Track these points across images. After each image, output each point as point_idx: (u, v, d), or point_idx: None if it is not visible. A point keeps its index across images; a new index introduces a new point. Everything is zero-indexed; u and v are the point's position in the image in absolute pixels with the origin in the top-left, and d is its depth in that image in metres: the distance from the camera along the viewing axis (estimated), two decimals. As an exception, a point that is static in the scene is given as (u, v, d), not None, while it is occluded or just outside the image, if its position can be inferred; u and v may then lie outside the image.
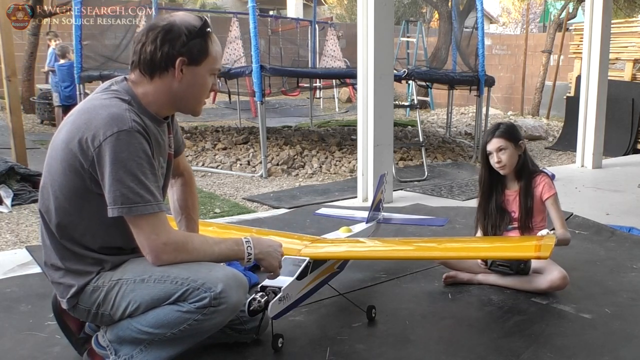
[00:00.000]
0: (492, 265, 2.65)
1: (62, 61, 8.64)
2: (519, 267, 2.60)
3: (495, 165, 2.70)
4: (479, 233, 2.83)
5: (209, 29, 1.80)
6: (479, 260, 2.68)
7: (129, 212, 1.68)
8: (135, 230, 1.72)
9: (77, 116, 1.75)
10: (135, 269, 1.80)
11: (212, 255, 1.83)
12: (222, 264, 1.90)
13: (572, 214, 3.93)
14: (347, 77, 8.19)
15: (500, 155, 2.67)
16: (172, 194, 2.18)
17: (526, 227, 2.70)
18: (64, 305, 1.85)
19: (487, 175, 2.77)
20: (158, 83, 1.79)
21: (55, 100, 9.19)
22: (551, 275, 2.57)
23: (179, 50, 1.76)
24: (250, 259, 1.88)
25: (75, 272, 1.80)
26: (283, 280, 2.07)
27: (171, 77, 1.79)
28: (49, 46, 9.43)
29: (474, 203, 2.93)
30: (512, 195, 2.75)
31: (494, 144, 2.68)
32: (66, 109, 8.35)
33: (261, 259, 1.92)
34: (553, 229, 2.66)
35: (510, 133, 2.69)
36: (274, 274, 2.00)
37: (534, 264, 2.62)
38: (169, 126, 1.95)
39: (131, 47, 1.85)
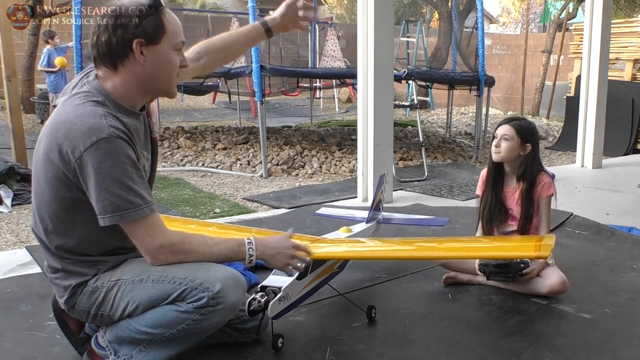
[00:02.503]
0: (491, 275, 2.60)
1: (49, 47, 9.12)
2: (518, 272, 2.53)
3: (493, 149, 2.71)
4: (479, 228, 2.83)
5: (161, 4, 1.74)
6: (477, 269, 2.64)
7: (121, 219, 1.67)
8: (130, 235, 1.72)
9: (53, 127, 1.71)
10: (134, 269, 1.80)
11: (212, 256, 1.82)
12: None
13: (572, 214, 3.93)
14: (347, 77, 8.19)
15: (501, 141, 2.68)
16: (217, 55, 2.17)
17: (525, 230, 2.70)
18: (63, 306, 1.86)
19: (492, 165, 2.77)
20: (123, 72, 1.75)
21: (52, 100, 9.22)
22: (551, 279, 2.56)
23: (133, 32, 1.70)
24: (252, 260, 1.86)
25: (73, 273, 1.80)
26: (283, 280, 2.07)
27: (133, 62, 1.73)
28: (47, 44, 9.42)
29: (474, 203, 2.94)
30: (510, 192, 2.75)
31: (501, 130, 2.70)
32: None
33: (266, 260, 1.90)
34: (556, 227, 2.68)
35: (522, 129, 2.69)
36: (287, 273, 1.99)
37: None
38: (147, 112, 1.91)
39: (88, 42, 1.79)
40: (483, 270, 2.60)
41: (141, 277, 1.77)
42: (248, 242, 1.86)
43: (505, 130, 2.68)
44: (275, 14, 2.20)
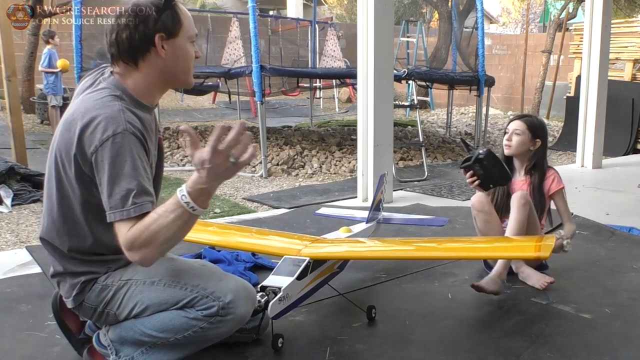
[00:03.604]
0: (462, 166, 2.72)
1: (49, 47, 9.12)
2: (478, 156, 2.62)
3: (504, 142, 2.84)
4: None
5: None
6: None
7: (124, 215, 1.61)
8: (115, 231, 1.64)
9: (72, 121, 1.71)
10: (146, 270, 1.77)
11: (170, 226, 1.58)
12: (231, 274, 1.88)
13: (572, 214, 3.92)
14: (347, 77, 8.19)
15: (513, 136, 2.81)
16: None
17: None
18: (70, 305, 1.85)
19: (502, 158, 2.85)
20: (145, 68, 1.77)
21: (50, 101, 9.21)
22: (514, 196, 2.67)
23: (153, 27, 1.73)
24: (192, 207, 1.56)
25: (83, 273, 1.80)
26: (283, 280, 2.07)
27: (154, 56, 1.76)
28: (47, 44, 9.42)
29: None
30: (518, 183, 2.84)
31: (513, 125, 2.83)
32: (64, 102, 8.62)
33: (213, 183, 1.57)
34: (560, 224, 2.83)
35: (533, 125, 2.82)
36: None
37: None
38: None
39: (104, 40, 1.80)
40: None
41: (153, 280, 1.77)
42: (179, 193, 1.57)
43: (517, 125, 2.82)
44: None
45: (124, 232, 1.59)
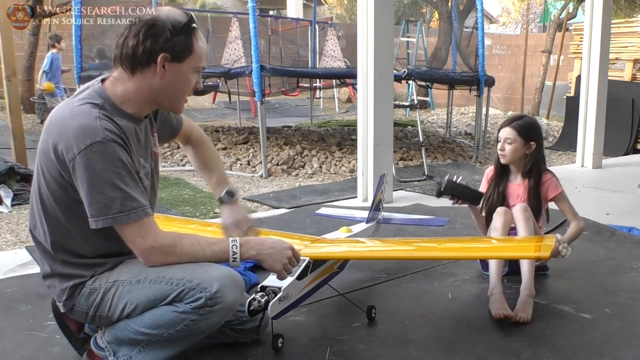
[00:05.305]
0: (440, 195, 2.71)
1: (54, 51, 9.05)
2: (440, 190, 2.67)
3: (498, 151, 2.77)
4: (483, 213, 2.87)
5: (194, 25, 1.77)
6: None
7: (114, 222, 1.67)
8: (123, 237, 1.72)
9: (50, 127, 1.73)
10: (131, 270, 1.80)
11: (204, 257, 1.81)
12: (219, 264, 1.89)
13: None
14: (347, 77, 8.18)
15: (505, 144, 2.73)
16: (190, 159, 2.29)
17: None
18: (62, 309, 1.86)
19: (498, 164, 2.83)
20: (139, 79, 1.76)
21: (50, 102, 9.20)
22: (516, 210, 2.64)
23: (161, 46, 1.72)
24: (235, 258, 1.82)
25: (70, 276, 1.81)
26: (283, 281, 2.07)
27: (152, 73, 1.75)
28: (51, 48, 9.39)
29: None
30: (514, 188, 2.80)
31: (503, 133, 2.74)
32: None
33: (262, 259, 1.89)
34: (561, 223, 2.79)
35: (524, 129, 2.72)
36: (279, 276, 1.96)
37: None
38: (152, 124, 1.94)
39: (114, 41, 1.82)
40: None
41: (138, 278, 1.77)
42: (232, 241, 1.83)
43: (507, 133, 2.73)
44: (228, 216, 2.16)
45: (131, 236, 1.70)
